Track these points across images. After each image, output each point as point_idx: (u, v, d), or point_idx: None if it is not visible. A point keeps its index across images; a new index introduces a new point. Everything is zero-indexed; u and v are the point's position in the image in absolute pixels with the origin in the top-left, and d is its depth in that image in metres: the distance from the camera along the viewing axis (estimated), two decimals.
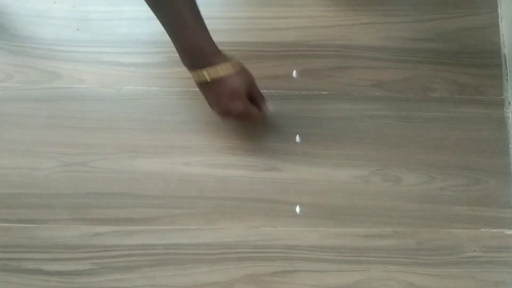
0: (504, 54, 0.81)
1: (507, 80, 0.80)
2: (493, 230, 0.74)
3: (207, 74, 0.63)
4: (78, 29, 0.81)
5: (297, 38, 0.81)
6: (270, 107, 0.70)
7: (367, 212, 0.74)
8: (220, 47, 0.65)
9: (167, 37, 0.75)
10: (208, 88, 0.66)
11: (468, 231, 0.74)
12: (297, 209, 0.74)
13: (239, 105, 0.66)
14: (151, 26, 0.81)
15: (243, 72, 0.66)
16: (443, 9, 0.84)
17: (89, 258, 0.71)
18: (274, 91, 0.78)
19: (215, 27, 0.80)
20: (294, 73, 0.79)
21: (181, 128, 0.76)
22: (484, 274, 0.72)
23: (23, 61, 0.79)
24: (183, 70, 0.77)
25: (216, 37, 0.80)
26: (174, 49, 0.79)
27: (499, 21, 0.83)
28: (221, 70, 0.63)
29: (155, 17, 0.81)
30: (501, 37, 0.82)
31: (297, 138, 0.77)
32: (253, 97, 0.69)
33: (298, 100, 0.78)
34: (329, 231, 0.73)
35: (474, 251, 0.73)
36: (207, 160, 0.75)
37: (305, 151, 0.76)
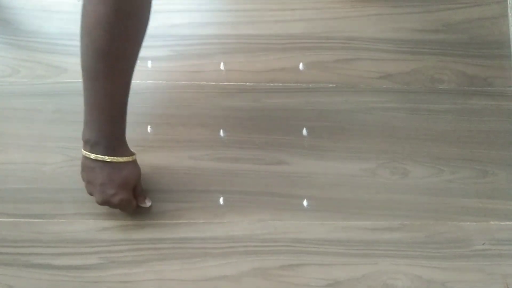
0: None
1: None
2: (502, 223, 0.74)
3: (107, 157, 0.63)
4: None
5: (304, 30, 0.80)
6: (148, 203, 0.71)
7: (374, 205, 0.74)
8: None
9: (173, 31, 0.75)
10: (99, 171, 0.64)
11: (477, 223, 0.73)
12: (305, 202, 0.74)
13: (125, 195, 0.66)
14: (156, 20, 0.80)
15: (135, 164, 0.68)
16: None
17: (97, 252, 0.71)
18: (280, 84, 0.78)
19: (221, 20, 0.80)
20: (301, 66, 0.79)
21: (187, 122, 0.76)
22: (493, 267, 0.72)
23: (29, 55, 0.78)
24: (189, 64, 0.77)
25: (222, 30, 0.80)
26: (180, 42, 0.79)
27: (508, 11, 0.82)
28: (121, 159, 0.65)
29: (160, 10, 0.81)
30: (510, 27, 0.81)
31: (304, 131, 0.76)
32: (136, 189, 0.70)
33: (305, 93, 0.78)
34: (337, 224, 0.73)
35: (483, 244, 0.73)
36: (213, 154, 0.75)
37: (312, 144, 0.76)
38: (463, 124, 0.78)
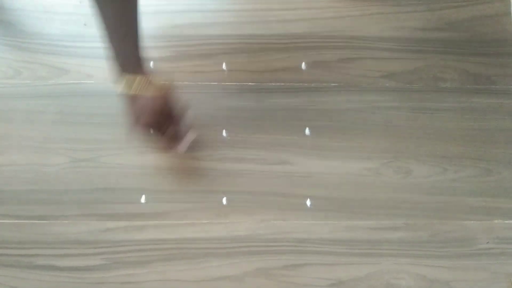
0: None
1: None
2: (506, 222, 0.73)
3: (128, 84, 0.63)
4: (85, 24, 0.80)
5: (306, 29, 0.80)
6: (191, 137, 0.70)
7: (378, 205, 0.74)
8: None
9: (175, 31, 0.75)
10: (126, 101, 0.65)
11: (481, 222, 0.73)
12: (308, 202, 0.73)
13: (149, 118, 0.65)
14: (158, 20, 0.80)
15: (163, 96, 0.65)
16: None
17: (101, 253, 0.71)
18: (282, 83, 0.77)
19: (223, 20, 0.80)
20: (303, 65, 0.79)
21: (190, 123, 0.76)
22: (498, 266, 0.71)
23: (31, 57, 0.78)
24: (191, 64, 0.77)
25: (224, 31, 0.80)
26: (182, 43, 0.79)
27: (511, 9, 0.82)
28: (140, 85, 0.63)
29: (162, 11, 0.81)
30: None
31: (307, 131, 0.76)
32: (171, 121, 0.68)
33: (307, 93, 0.78)
34: (340, 224, 0.73)
35: (487, 242, 0.72)
36: (216, 154, 0.75)
37: (315, 144, 0.76)
38: (467, 122, 0.77)
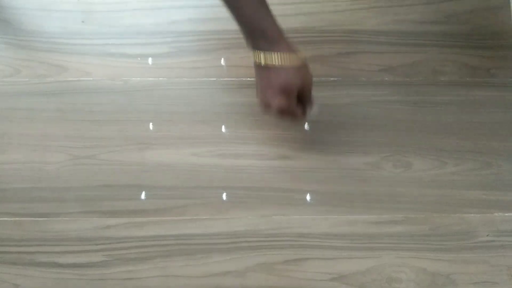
0: None
1: None
2: (506, 214, 0.73)
3: (263, 57, 0.60)
4: (83, 22, 0.80)
5: (304, 24, 0.80)
6: (316, 112, 0.68)
7: (378, 199, 0.74)
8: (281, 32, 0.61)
9: (173, 27, 0.75)
10: (261, 73, 0.62)
11: (481, 215, 0.73)
12: (308, 197, 0.73)
13: (283, 101, 0.62)
14: (156, 16, 0.80)
15: (303, 68, 0.62)
16: None
17: (102, 250, 0.71)
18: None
19: (221, 16, 0.79)
20: None
21: (189, 119, 0.76)
22: (498, 259, 0.71)
23: (30, 55, 0.78)
24: (190, 60, 0.77)
25: (222, 26, 0.79)
26: (180, 38, 0.79)
27: (510, 1, 0.81)
28: (279, 59, 0.60)
29: (159, 7, 0.81)
30: None
31: (306, 126, 0.76)
32: (303, 97, 0.65)
33: None
34: (340, 218, 0.73)
35: (487, 235, 0.72)
36: (216, 150, 0.75)
37: (314, 138, 0.76)
38: (466, 116, 0.77)
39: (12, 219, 0.72)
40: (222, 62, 0.79)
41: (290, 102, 0.63)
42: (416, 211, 0.73)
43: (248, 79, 0.78)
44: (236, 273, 0.70)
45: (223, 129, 0.76)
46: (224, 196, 0.73)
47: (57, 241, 0.71)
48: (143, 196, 0.73)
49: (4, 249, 0.71)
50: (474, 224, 0.73)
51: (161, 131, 0.76)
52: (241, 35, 0.77)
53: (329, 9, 0.81)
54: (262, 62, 0.61)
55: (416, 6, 0.81)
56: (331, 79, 0.78)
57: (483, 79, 0.79)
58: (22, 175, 0.74)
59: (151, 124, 0.76)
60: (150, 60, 0.78)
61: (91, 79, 0.77)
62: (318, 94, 0.77)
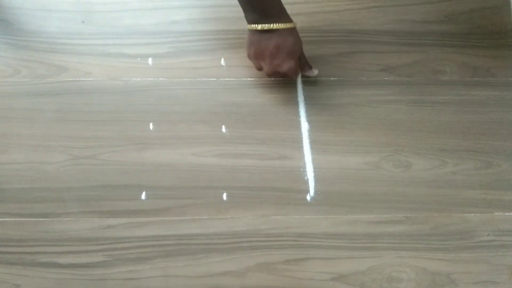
0: None
1: None
2: (506, 214, 0.73)
3: (261, 27, 0.67)
4: (83, 22, 0.80)
5: (304, 24, 0.80)
6: (315, 71, 0.75)
7: (378, 198, 0.74)
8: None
9: (173, 27, 0.75)
10: (255, 35, 0.69)
11: (481, 215, 0.73)
12: (308, 196, 0.73)
13: (291, 64, 0.70)
14: (156, 16, 0.80)
15: (294, 31, 0.70)
16: None
17: (102, 250, 0.71)
18: (282, 78, 0.77)
19: (221, 16, 0.79)
20: None
21: (189, 119, 0.76)
22: (498, 258, 0.71)
23: (29, 55, 0.78)
24: (190, 60, 0.77)
25: (222, 26, 0.79)
26: (180, 39, 0.79)
27: (510, 1, 0.81)
28: (274, 25, 0.67)
29: (159, 7, 0.81)
30: None
31: (307, 126, 0.76)
32: (300, 59, 0.73)
33: (306, 87, 0.77)
34: (341, 218, 0.73)
35: (487, 235, 0.72)
36: (216, 150, 0.75)
37: (314, 138, 0.76)
38: (466, 115, 0.77)
39: (12, 219, 0.72)
40: (222, 62, 0.79)
41: (296, 62, 0.71)
42: (416, 211, 0.73)
43: (248, 79, 0.78)
44: (236, 273, 0.70)
45: (223, 129, 0.76)
46: (224, 196, 0.73)
47: (58, 241, 0.71)
48: (143, 196, 0.73)
49: (5, 250, 0.71)
50: (475, 223, 0.73)
51: (161, 131, 0.76)
52: (241, 35, 0.77)
53: (329, 8, 0.81)
54: (259, 28, 0.67)
55: (416, 6, 0.81)
56: (331, 79, 0.78)
57: (483, 78, 0.79)
58: (22, 175, 0.74)
59: (151, 124, 0.76)
60: (150, 60, 0.78)
61: (91, 79, 0.77)
62: (318, 94, 0.77)
